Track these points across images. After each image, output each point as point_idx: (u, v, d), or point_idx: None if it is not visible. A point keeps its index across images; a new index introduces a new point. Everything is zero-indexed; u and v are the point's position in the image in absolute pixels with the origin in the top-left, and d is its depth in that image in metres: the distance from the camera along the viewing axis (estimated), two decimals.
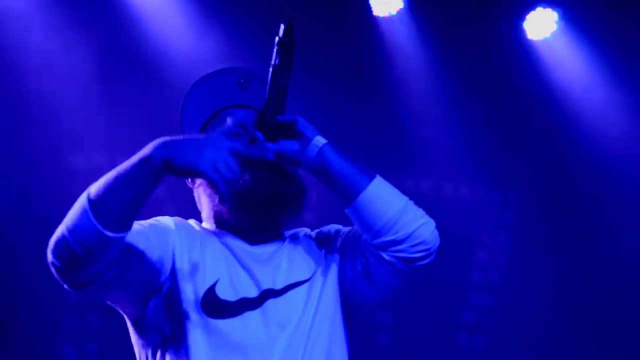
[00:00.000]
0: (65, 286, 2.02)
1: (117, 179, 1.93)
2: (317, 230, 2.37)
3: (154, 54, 5.14)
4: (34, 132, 4.90)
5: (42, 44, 4.90)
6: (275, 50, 2.14)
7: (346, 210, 2.21)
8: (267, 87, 2.16)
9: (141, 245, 2.08)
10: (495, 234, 5.95)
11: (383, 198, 2.17)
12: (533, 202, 5.95)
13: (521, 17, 5.72)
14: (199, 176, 1.95)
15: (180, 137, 1.99)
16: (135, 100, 5.08)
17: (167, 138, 1.96)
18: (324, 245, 2.31)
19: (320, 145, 2.18)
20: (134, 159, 1.94)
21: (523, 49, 5.79)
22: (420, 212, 2.21)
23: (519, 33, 5.75)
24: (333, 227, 2.37)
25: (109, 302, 2.17)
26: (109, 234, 1.92)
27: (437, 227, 2.22)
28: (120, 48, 5.06)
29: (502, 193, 5.97)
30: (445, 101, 5.76)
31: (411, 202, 2.21)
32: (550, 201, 5.96)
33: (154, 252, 2.11)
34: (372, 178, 2.19)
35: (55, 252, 1.96)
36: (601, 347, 5.81)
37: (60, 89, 4.93)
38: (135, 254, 2.07)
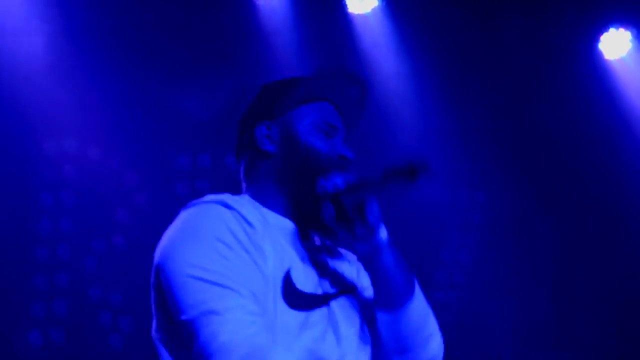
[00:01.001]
0: None
1: None
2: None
3: (125, 38, 5.11)
4: (4, 119, 4.89)
5: (7, 27, 4.87)
6: (396, 174, 2.06)
7: (378, 314, 2.14)
8: (377, 177, 2.08)
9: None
10: (462, 234, 5.97)
11: (419, 314, 2.15)
12: (500, 203, 5.97)
13: (492, 17, 5.74)
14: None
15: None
16: (108, 84, 5.05)
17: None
18: (356, 265, 2.26)
19: (383, 239, 2.10)
20: None
21: (495, 49, 5.82)
22: (437, 329, 2.21)
23: (489, 34, 5.77)
24: None
25: None
26: None
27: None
28: (90, 31, 5.01)
29: (470, 193, 5.99)
30: (417, 101, 5.78)
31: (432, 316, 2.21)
32: (518, 203, 5.98)
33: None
34: (414, 287, 2.14)
35: None
36: (562, 348, 5.86)
37: (30, 74, 4.91)
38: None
